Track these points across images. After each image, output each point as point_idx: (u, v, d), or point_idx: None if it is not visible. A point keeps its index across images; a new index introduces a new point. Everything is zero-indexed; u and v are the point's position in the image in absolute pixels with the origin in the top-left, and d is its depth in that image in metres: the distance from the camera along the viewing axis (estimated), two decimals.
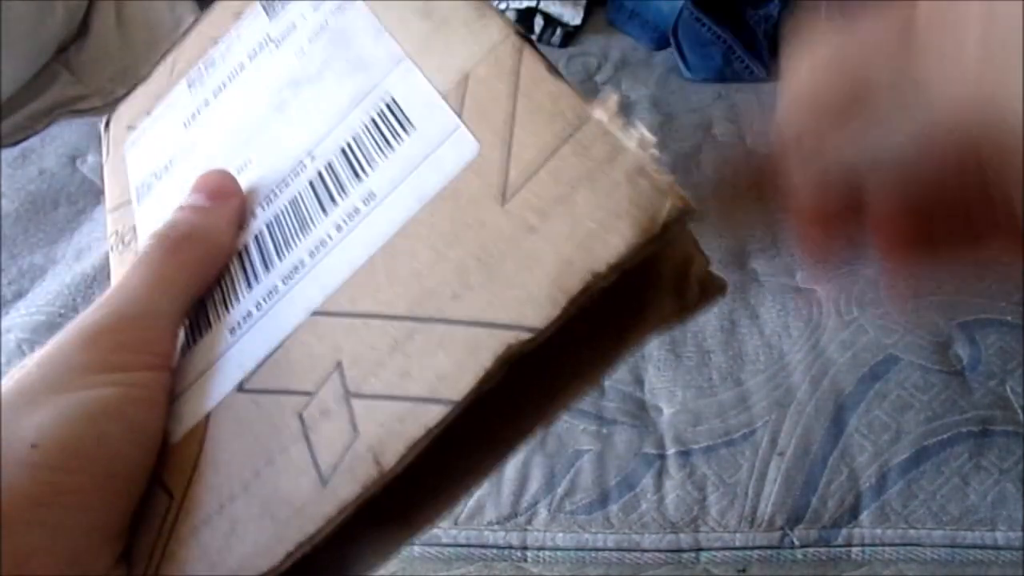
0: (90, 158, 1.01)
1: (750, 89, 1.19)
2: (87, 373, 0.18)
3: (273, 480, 0.17)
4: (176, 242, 0.20)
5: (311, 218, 0.20)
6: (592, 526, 0.66)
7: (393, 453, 0.15)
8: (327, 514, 0.15)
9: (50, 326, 0.79)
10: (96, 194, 0.97)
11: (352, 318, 0.18)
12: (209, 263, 0.21)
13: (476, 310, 0.15)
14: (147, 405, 0.19)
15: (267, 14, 0.25)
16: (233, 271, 0.21)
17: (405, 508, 0.17)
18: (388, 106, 0.20)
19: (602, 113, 0.16)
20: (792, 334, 0.74)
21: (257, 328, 0.19)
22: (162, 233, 0.21)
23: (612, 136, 0.15)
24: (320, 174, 0.20)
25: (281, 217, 0.21)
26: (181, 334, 0.21)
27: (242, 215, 0.22)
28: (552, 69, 0.17)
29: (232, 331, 0.20)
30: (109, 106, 1.15)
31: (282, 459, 0.17)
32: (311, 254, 0.19)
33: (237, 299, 0.20)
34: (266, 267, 0.20)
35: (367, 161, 0.19)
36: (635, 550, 0.66)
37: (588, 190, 0.15)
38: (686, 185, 0.15)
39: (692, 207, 0.14)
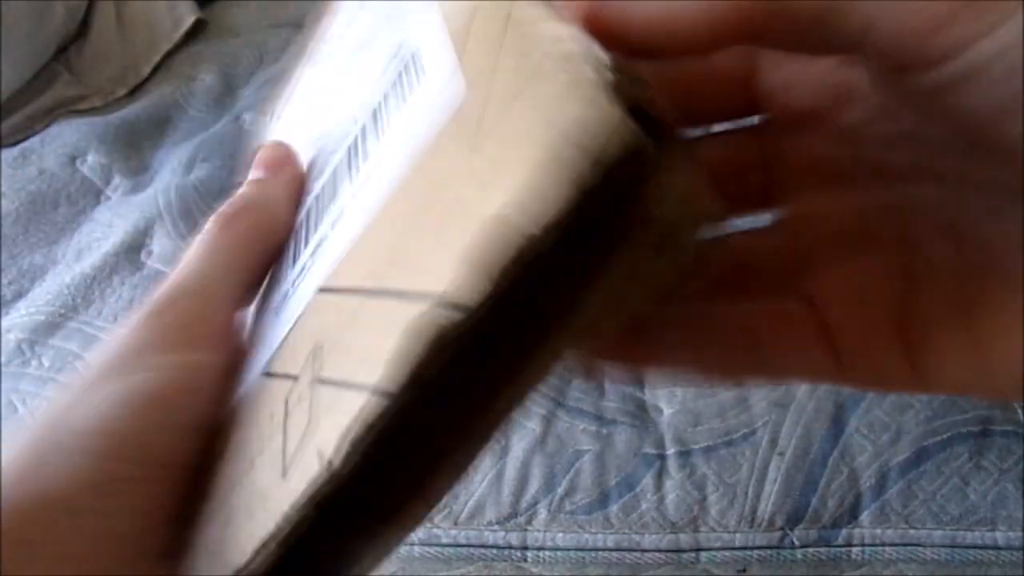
0: (90, 158, 1.01)
1: None
2: (145, 353, 0.18)
3: (259, 471, 0.16)
4: (230, 216, 0.20)
5: (339, 187, 0.18)
6: (592, 526, 0.66)
7: (336, 450, 0.13)
8: (284, 511, 0.14)
9: (50, 326, 0.79)
10: (96, 194, 0.97)
11: (338, 294, 0.16)
12: (265, 233, 0.20)
13: (422, 284, 0.13)
14: (196, 391, 0.18)
15: None
16: (287, 248, 0.20)
17: (389, 500, 0.16)
18: (411, 57, 0.18)
19: (569, 37, 0.13)
20: None
21: (286, 307, 0.18)
22: (220, 209, 0.20)
23: (574, 63, 0.12)
24: (355, 139, 0.19)
25: (324, 188, 0.19)
26: (251, 311, 0.20)
27: (299, 183, 0.21)
28: None
29: (275, 311, 0.19)
30: (109, 106, 1.15)
31: (268, 449, 0.16)
32: (332, 225, 0.18)
33: (284, 277, 0.19)
34: (306, 242, 0.19)
35: (387, 120, 0.18)
36: (635, 550, 0.66)
37: (541, 131, 0.12)
38: None
39: (644, 143, 0.11)
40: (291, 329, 0.17)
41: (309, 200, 0.20)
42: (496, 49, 0.14)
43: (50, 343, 0.78)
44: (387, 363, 0.13)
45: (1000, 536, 0.65)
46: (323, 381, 0.15)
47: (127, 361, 0.18)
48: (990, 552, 0.65)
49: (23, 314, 0.81)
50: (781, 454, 0.67)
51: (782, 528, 0.65)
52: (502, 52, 0.14)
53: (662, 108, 0.12)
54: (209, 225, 0.20)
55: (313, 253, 0.18)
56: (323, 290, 0.17)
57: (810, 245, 0.18)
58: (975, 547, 0.65)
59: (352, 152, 0.19)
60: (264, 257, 0.20)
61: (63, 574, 0.15)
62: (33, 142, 1.04)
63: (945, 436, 0.67)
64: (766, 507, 0.66)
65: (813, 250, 0.18)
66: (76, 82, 1.16)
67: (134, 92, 1.17)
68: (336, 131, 0.20)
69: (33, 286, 0.85)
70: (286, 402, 0.16)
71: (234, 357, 0.19)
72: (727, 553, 0.66)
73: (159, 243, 0.88)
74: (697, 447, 0.68)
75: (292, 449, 0.15)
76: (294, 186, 0.21)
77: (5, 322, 0.81)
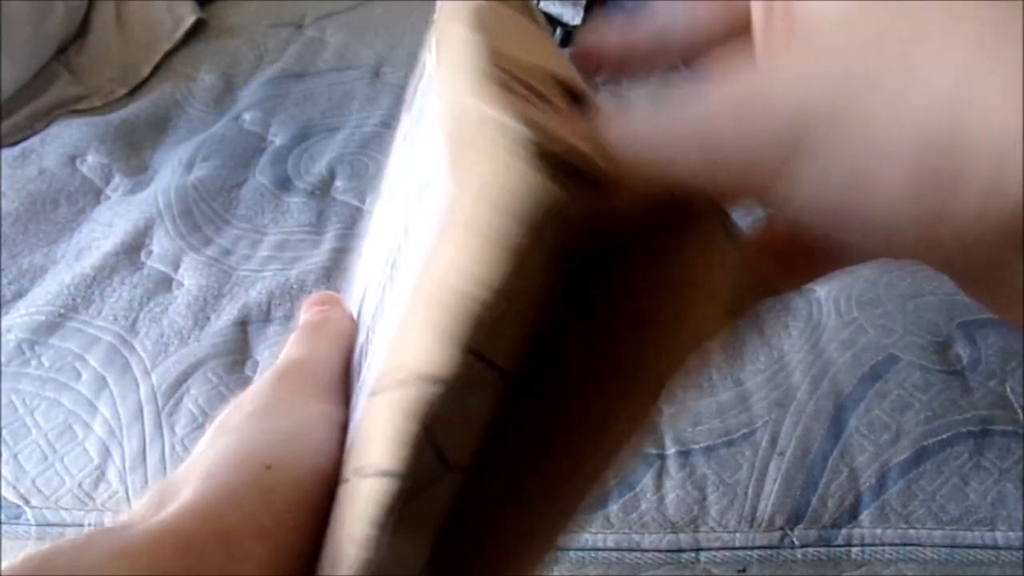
0: (90, 158, 1.01)
1: None
2: (291, 402, 0.21)
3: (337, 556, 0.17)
4: (318, 322, 0.25)
5: (386, 303, 0.20)
6: (592, 526, 0.66)
7: (361, 535, 0.15)
8: None
9: (50, 326, 0.79)
10: (96, 194, 0.98)
11: (371, 397, 0.17)
12: (342, 337, 0.25)
13: (405, 367, 0.14)
14: (332, 435, 0.20)
15: (408, 108, 0.26)
16: (358, 361, 0.23)
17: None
18: (426, 171, 0.19)
19: (495, 113, 0.13)
20: (792, 334, 0.74)
21: (355, 415, 0.20)
22: (306, 319, 0.26)
23: (497, 138, 0.13)
24: (393, 257, 0.21)
25: (377, 307, 0.21)
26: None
27: (348, 314, 0.26)
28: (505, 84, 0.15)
29: (350, 421, 0.21)
30: (109, 106, 1.15)
31: (332, 541, 0.17)
32: (380, 335, 0.20)
33: (356, 388, 0.21)
34: (366, 358, 0.21)
35: (413, 234, 0.19)
36: (635, 550, 0.66)
37: (480, 207, 0.13)
38: None
39: (562, 200, 0.12)
40: (354, 435, 0.19)
41: (369, 325, 0.23)
42: (468, 147, 0.15)
43: (50, 343, 0.78)
44: (387, 447, 0.14)
45: (1000, 536, 0.65)
46: (357, 472, 0.16)
47: (276, 407, 0.20)
48: (990, 552, 0.65)
49: (23, 314, 0.81)
50: (781, 454, 0.67)
51: (782, 528, 0.65)
52: (470, 147, 0.14)
53: (596, 165, 0.12)
54: (303, 326, 0.25)
55: (369, 366, 0.20)
56: (370, 394, 0.18)
57: None
58: (975, 547, 0.65)
59: (391, 269, 0.21)
60: (345, 355, 0.24)
61: None
62: (33, 142, 1.04)
63: (945, 436, 0.67)
64: (766, 507, 0.66)
65: None
66: (76, 82, 1.16)
67: (134, 92, 1.17)
68: (386, 252, 0.23)
69: (33, 286, 0.85)
70: (339, 503, 0.18)
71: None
72: (727, 553, 0.66)
73: (159, 243, 0.88)
74: (697, 447, 0.68)
75: (332, 554, 0.16)
76: (346, 309, 0.27)
77: (5, 322, 0.81)
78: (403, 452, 0.14)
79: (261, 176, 0.98)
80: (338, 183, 0.98)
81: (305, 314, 0.26)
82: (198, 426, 0.71)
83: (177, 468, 0.20)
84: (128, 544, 0.16)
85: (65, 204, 0.96)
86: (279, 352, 0.25)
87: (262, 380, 0.22)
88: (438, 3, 0.21)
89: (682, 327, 0.14)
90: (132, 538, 0.16)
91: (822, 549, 0.65)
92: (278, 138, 1.05)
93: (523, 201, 0.12)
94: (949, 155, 0.11)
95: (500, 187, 0.12)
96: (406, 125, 0.26)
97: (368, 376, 0.19)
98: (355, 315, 0.26)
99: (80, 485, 0.71)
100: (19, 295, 0.85)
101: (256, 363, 0.77)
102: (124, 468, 0.71)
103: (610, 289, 0.14)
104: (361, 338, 0.23)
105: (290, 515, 0.17)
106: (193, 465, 0.19)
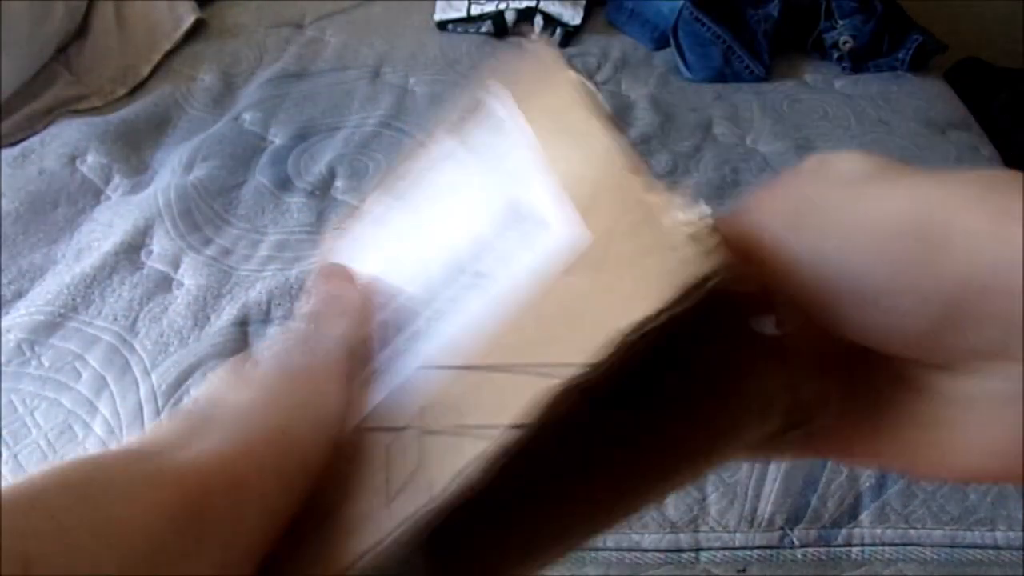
0: (90, 158, 1.01)
1: (750, 89, 1.19)
2: (312, 382, 0.23)
3: (359, 502, 0.20)
4: (334, 300, 0.27)
5: (437, 291, 0.25)
6: None
7: (441, 482, 0.18)
8: (388, 529, 0.19)
9: (50, 326, 0.79)
10: (96, 194, 0.98)
11: (454, 370, 0.21)
12: (357, 316, 0.27)
13: (539, 359, 0.18)
14: (340, 415, 0.23)
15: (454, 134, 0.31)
16: (378, 332, 0.26)
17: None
18: (525, 206, 0.24)
19: (675, 213, 0.18)
20: None
21: (378, 379, 0.24)
22: (327, 294, 0.28)
23: (679, 230, 0.18)
24: (460, 262, 0.25)
25: (416, 295, 0.26)
26: None
27: (364, 295, 0.29)
28: (643, 171, 0.20)
29: (363, 384, 0.24)
30: (109, 106, 1.15)
31: (369, 485, 0.20)
32: (428, 320, 0.24)
33: (373, 357, 0.25)
34: (398, 331, 0.25)
35: (499, 250, 0.24)
36: (635, 550, 0.66)
37: (652, 258, 0.18)
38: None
39: (718, 272, 0.16)
40: (388, 396, 0.23)
41: (402, 299, 0.26)
42: (617, 216, 0.20)
43: (50, 343, 0.78)
44: (510, 416, 0.17)
45: (1000, 536, 0.65)
46: (434, 432, 0.20)
47: (301, 376, 0.23)
48: (990, 552, 0.65)
49: (23, 314, 0.81)
50: None
51: (782, 528, 0.65)
52: (624, 218, 0.20)
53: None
54: (326, 298, 0.27)
55: (409, 341, 0.24)
56: (429, 367, 0.22)
57: None
58: (975, 547, 0.65)
59: (451, 266, 0.25)
60: (358, 330, 0.26)
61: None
62: (33, 142, 1.04)
63: None
64: (766, 507, 0.66)
65: None
66: (76, 82, 1.16)
67: (134, 92, 1.17)
68: (427, 251, 0.27)
69: (33, 286, 0.85)
70: (387, 449, 0.21)
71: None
72: (727, 553, 0.66)
73: (159, 243, 0.88)
74: None
75: (398, 485, 0.19)
76: (361, 295, 0.29)
77: (5, 322, 0.81)
78: (514, 420, 0.17)
79: (261, 176, 0.98)
80: (338, 183, 0.98)
81: (326, 284, 0.28)
82: None
83: (206, 394, 0.23)
84: (161, 473, 0.19)
85: (65, 204, 0.96)
86: (300, 310, 0.27)
87: (290, 343, 0.24)
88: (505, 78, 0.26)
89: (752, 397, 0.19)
90: (164, 468, 0.19)
91: (822, 549, 0.66)
92: (278, 138, 1.05)
93: (702, 273, 0.16)
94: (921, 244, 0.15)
95: (688, 260, 0.17)
96: (447, 145, 0.30)
97: (422, 347, 0.24)
98: (373, 283, 0.29)
99: None
100: (19, 295, 0.85)
101: (256, 363, 0.77)
102: None
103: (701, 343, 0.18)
104: (398, 310, 0.26)
105: (297, 478, 0.21)
106: (223, 409, 0.22)
